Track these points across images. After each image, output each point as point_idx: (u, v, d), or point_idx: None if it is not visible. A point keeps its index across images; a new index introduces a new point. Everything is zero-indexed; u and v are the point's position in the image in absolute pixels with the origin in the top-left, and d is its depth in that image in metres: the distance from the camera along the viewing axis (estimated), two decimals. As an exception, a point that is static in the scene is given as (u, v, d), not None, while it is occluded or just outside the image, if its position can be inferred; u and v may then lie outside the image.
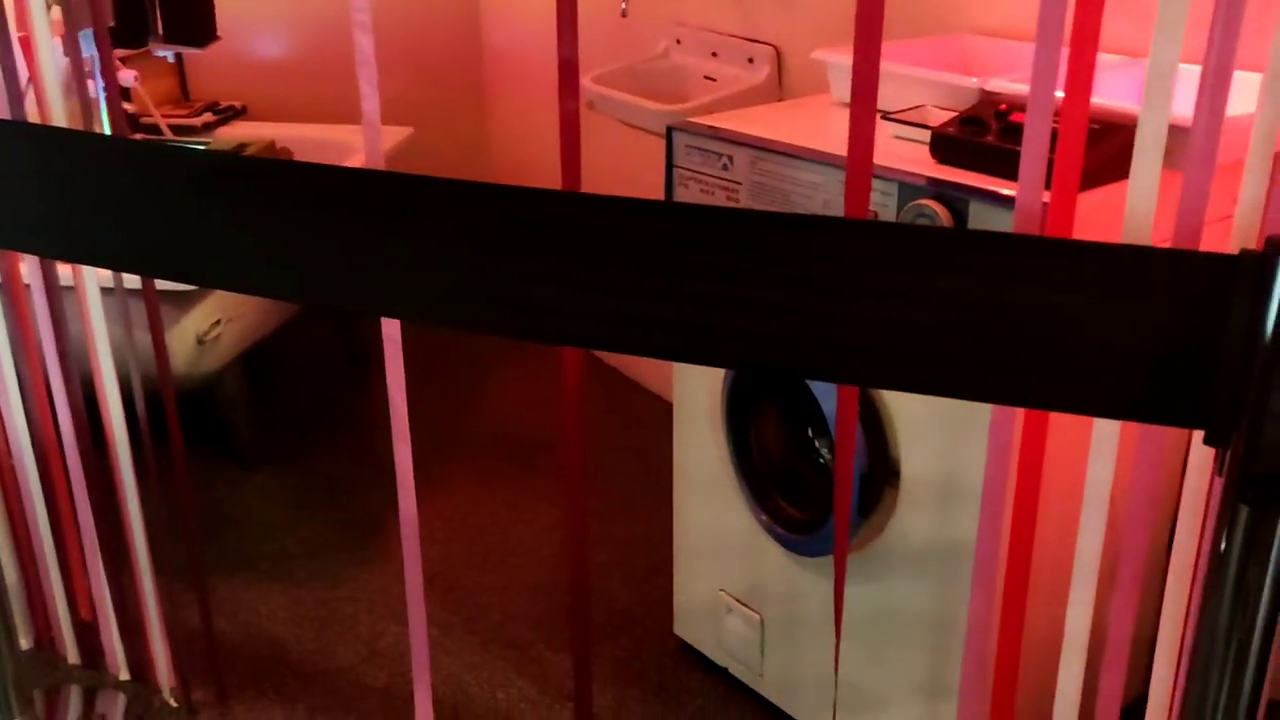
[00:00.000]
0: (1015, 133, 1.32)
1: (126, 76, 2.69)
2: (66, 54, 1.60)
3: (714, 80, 2.37)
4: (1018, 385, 0.82)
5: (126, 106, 2.85)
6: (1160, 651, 1.14)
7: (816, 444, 1.69)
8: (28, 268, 1.66)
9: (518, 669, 1.95)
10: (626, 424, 2.76)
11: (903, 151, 1.43)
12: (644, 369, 2.94)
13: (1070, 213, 1.05)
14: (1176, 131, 0.96)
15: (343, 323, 3.08)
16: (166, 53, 2.87)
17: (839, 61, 1.69)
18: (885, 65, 1.08)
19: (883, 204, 1.38)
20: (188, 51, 2.80)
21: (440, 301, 0.92)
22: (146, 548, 1.78)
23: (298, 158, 2.68)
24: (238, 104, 3.18)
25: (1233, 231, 0.96)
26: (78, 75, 1.60)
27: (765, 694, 1.82)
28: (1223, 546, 0.77)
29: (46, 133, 1.16)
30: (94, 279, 1.65)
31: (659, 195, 1.87)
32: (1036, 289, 0.79)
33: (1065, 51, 1.00)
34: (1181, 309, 0.76)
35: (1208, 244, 0.95)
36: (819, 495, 1.65)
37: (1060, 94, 1.00)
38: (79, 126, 1.61)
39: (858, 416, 1.40)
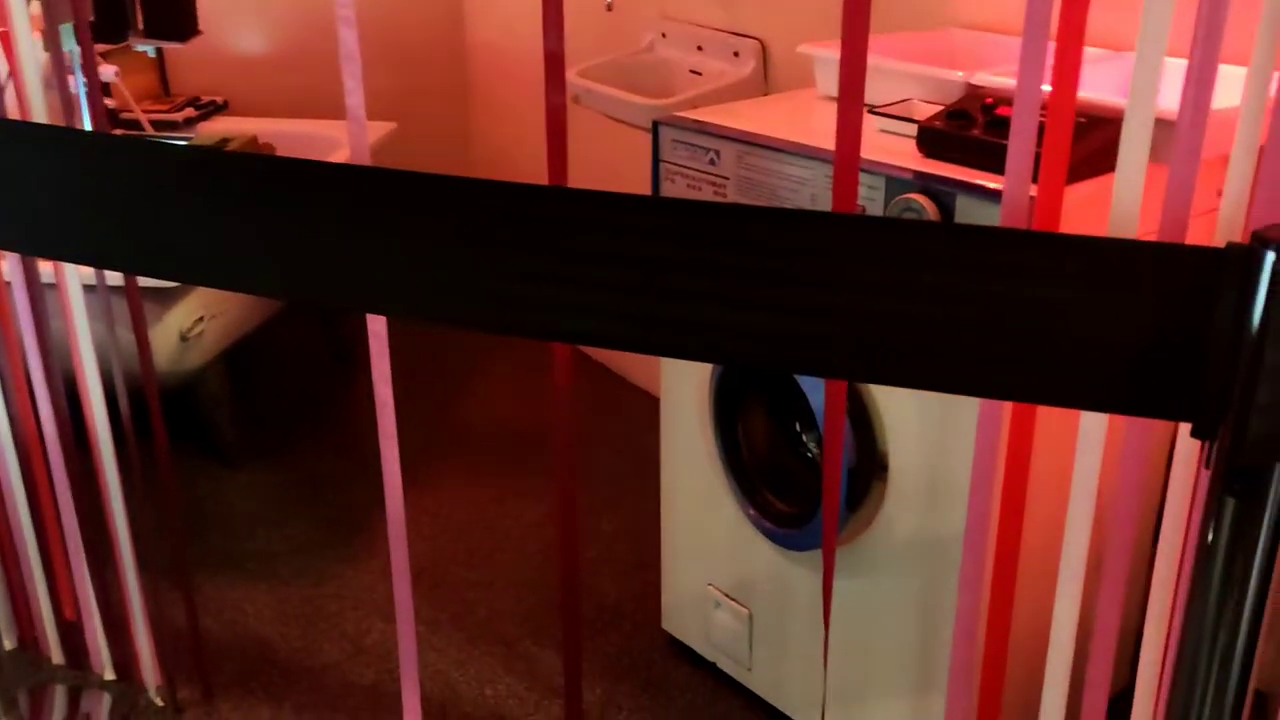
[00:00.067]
0: (1001, 126, 1.32)
1: (107, 72, 2.67)
2: (47, 49, 1.58)
3: (699, 74, 2.36)
4: (1005, 379, 0.82)
5: (107, 102, 2.83)
6: (1147, 642, 1.14)
7: (804, 438, 1.69)
8: (8, 265, 1.65)
9: (506, 665, 1.95)
10: (613, 419, 2.76)
11: (889, 145, 1.43)
12: (631, 364, 2.94)
13: (1057, 206, 1.05)
14: (1161, 125, 0.96)
15: (327, 319, 3.07)
16: (147, 47, 2.85)
17: (825, 55, 1.68)
18: (871, 59, 1.08)
19: (870, 198, 1.38)
20: (169, 46, 2.78)
21: (426, 297, 0.91)
22: (131, 546, 1.77)
23: (280, 153, 2.67)
24: (219, 99, 3.16)
25: (1218, 225, 0.97)
26: (58, 71, 1.59)
27: (754, 688, 1.82)
28: (1209, 538, 0.78)
29: (26, 129, 1.15)
30: (76, 276, 1.64)
31: (645, 190, 1.87)
32: (1024, 282, 0.79)
33: (1051, 45, 1.00)
34: (1168, 302, 0.76)
35: (1191, 238, 0.96)
36: (807, 489, 1.65)
37: (1047, 87, 1.00)
38: (59, 122, 1.60)
39: (845, 410, 1.40)
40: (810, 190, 1.45)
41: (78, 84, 1.71)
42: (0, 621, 1.92)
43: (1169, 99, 0.98)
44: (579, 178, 1.16)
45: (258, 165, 0.94)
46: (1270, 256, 0.71)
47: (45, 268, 1.68)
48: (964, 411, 1.37)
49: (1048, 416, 1.12)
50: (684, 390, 1.76)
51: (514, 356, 3.10)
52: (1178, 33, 0.94)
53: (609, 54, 2.46)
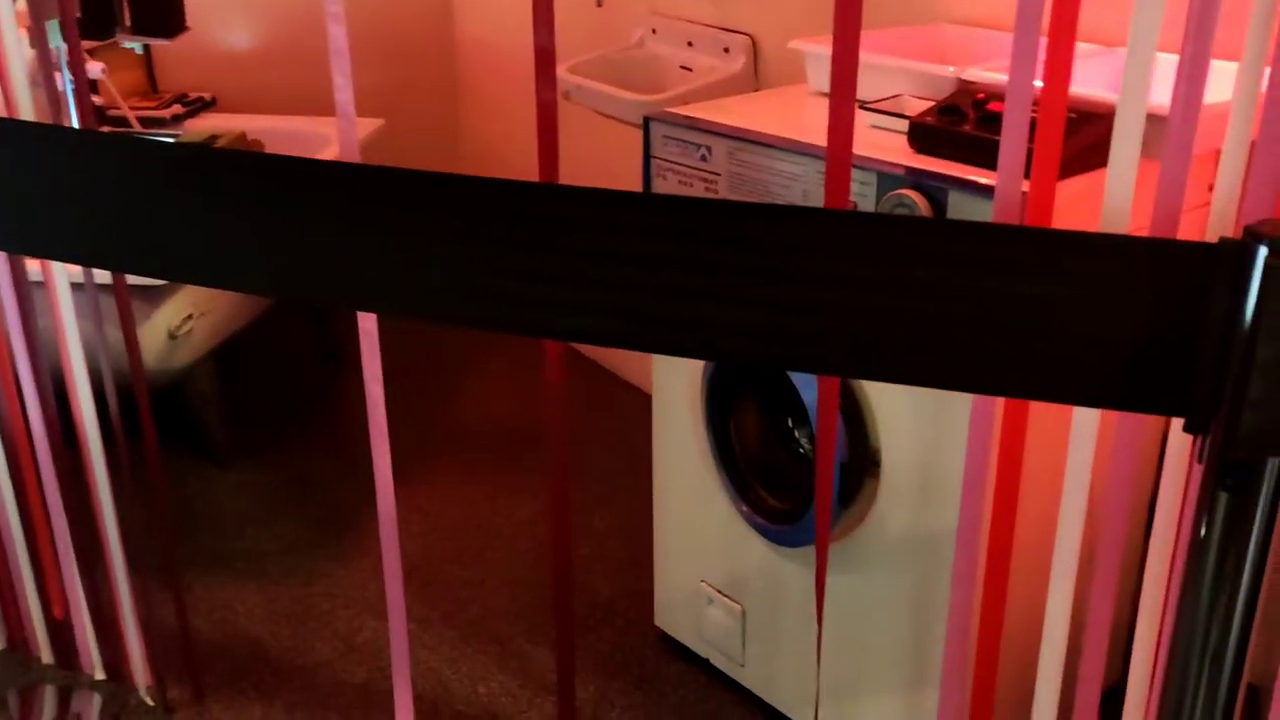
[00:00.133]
0: (993, 122, 1.32)
1: (94, 68, 2.66)
2: (33, 46, 1.57)
3: (690, 70, 2.36)
4: (997, 375, 0.82)
5: (94, 99, 2.81)
6: (1139, 636, 1.15)
7: (796, 434, 1.69)
8: (-5, 263, 1.64)
9: (498, 663, 1.95)
10: (605, 416, 2.76)
11: (881, 141, 1.43)
12: (623, 361, 2.93)
13: (1049, 202, 1.05)
14: (1152, 120, 0.96)
15: (318, 317, 3.06)
16: (134, 44, 2.84)
17: (816, 51, 1.68)
18: (862, 55, 1.07)
19: (861, 194, 1.38)
20: (156, 43, 2.77)
21: (416, 295, 0.91)
22: (120, 546, 1.76)
23: (269, 150, 2.66)
24: (207, 95, 3.14)
25: (1209, 219, 0.97)
26: (44, 67, 1.57)
27: (747, 684, 1.82)
28: (1202, 533, 0.78)
29: (13, 126, 1.14)
30: (64, 274, 1.63)
31: (636, 187, 1.87)
32: (1016, 278, 0.78)
33: (1042, 41, 1.00)
34: (1161, 297, 0.76)
35: (1181, 233, 0.96)
36: (799, 485, 1.65)
37: (1038, 83, 1.00)
38: (46, 120, 1.59)
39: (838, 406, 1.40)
40: (802, 186, 1.45)
41: (64, 81, 1.70)
42: (-11, 622, 1.91)
43: (1159, 94, 0.98)
44: (569, 174, 1.16)
45: (246, 162, 0.93)
46: (1263, 251, 0.71)
47: (33, 266, 1.67)
48: (956, 407, 1.37)
49: (1040, 412, 1.12)
50: (676, 387, 1.76)
51: (505, 354, 3.09)
52: (1168, 28, 0.94)
53: (599, 50, 2.45)
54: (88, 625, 1.85)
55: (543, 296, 0.86)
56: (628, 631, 2.01)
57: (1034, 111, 1.01)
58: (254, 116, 3.01)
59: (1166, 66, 0.96)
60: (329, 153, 2.80)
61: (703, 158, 1.56)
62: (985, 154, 1.29)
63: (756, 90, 2.26)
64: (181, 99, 3.08)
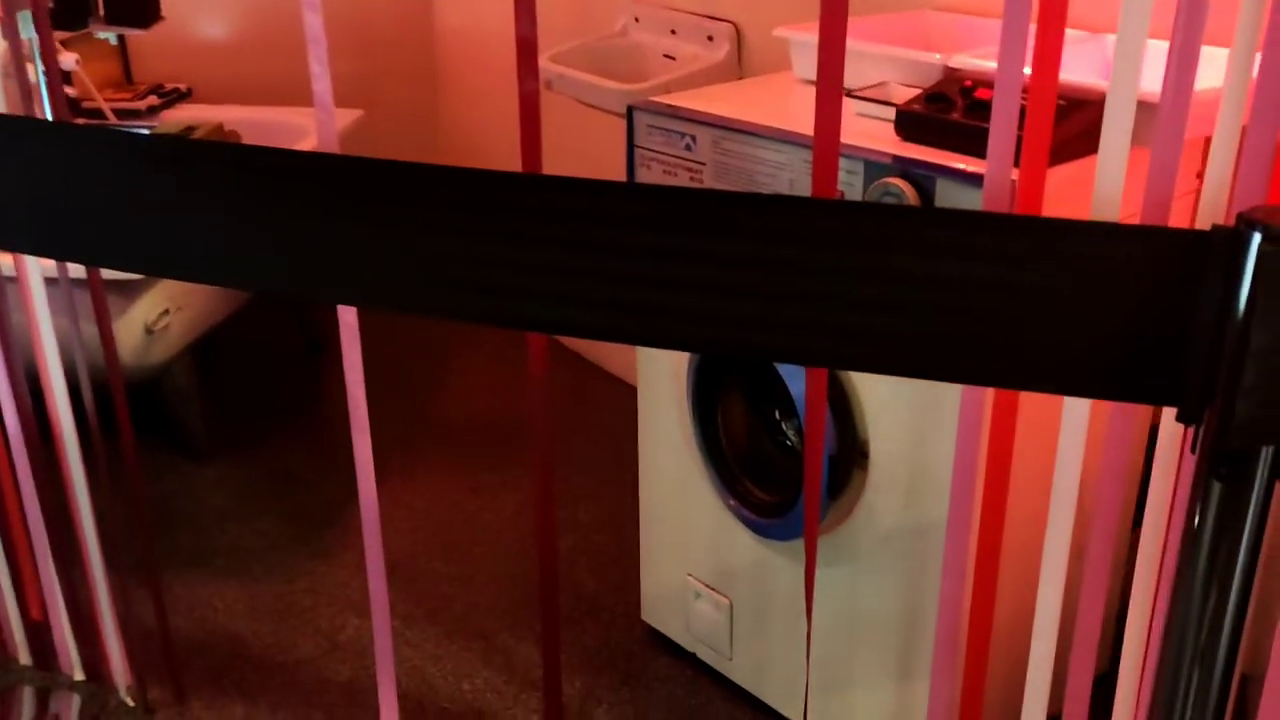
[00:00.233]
0: (981, 109, 1.31)
1: (67, 59, 2.62)
2: (4, 37, 1.54)
3: (673, 59, 2.34)
4: (987, 365, 0.81)
5: (68, 90, 2.78)
6: (1130, 626, 1.14)
7: (783, 426, 1.68)
8: (-34, 258, 1.61)
9: (484, 659, 1.93)
10: (589, 409, 2.74)
11: (867, 129, 1.42)
12: (607, 352, 2.92)
13: (1039, 189, 1.04)
14: (1141, 107, 0.95)
15: (298, 309, 3.03)
16: (108, 34, 2.80)
17: (801, 38, 1.67)
18: (848, 42, 1.06)
19: (848, 183, 1.36)
20: (130, 33, 2.73)
21: (397, 288, 0.89)
22: (98, 544, 1.74)
23: (246, 141, 2.63)
24: (183, 86, 3.11)
25: (1200, 206, 0.96)
26: (16, 59, 1.55)
27: (735, 678, 1.82)
28: (1195, 523, 0.77)
29: (-19, 117, 1.12)
30: (37, 269, 1.60)
31: (619, 178, 1.85)
32: (1006, 267, 0.78)
33: (1030, 27, 0.99)
34: (1153, 286, 0.75)
35: (1170, 220, 0.95)
36: (787, 478, 1.64)
37: (1027, 70, 0.99)
38: (18, 112, 1.56)
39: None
40: (789, 175, 1.43)
41: (37, 72, 1.67)
42: (-35, 623, 1.89)
43: (1149, 81, 0.97)
44: (552, 165, 1.14)
45: (224, 154, 0.92)
46: (1257, 238, 0.70)
47: (5, 260, 1.65)
48: (945, 397, 1.36)
49: (1030, 402, 1.11)
50: (661, 378, 1.74)
51: (488, 346, 3.07)
52: (1157, 14, 0.94)
53: (581, 38, 2.43)
54: (66, 625, 1.83)
55: (526, 288, 0.84)
56: (614, 626, 2.00)
57: (1023, 99, 1.00)
58: (231, 107, 2.98)
59: (1154, 53, 0.95)
60: (307, 144, 2.77)
61: (687, 147, 1.55)
62: (973, 142, 1.28)
63: (740, 78, 2.24)
64: (157, 90, 3.04)
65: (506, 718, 1.80)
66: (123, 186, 0.94)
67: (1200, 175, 1.44)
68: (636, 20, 2.46)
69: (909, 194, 1.31)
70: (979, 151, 1.27)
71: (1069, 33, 1.43)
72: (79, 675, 1.87)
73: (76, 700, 1.84)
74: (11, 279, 1.61)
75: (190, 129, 2.52)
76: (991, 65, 1.39)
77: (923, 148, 1.34)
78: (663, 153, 1.59)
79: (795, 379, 1.50)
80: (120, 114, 2.90)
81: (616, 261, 0.82)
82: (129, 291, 2.21)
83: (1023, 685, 1.19)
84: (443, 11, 3.37)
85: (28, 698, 1.85)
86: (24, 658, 1.89)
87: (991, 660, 1.25)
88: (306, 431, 2.67)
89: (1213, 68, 1.03)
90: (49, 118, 1.75)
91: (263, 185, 0.90)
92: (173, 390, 2.46)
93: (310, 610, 2.05)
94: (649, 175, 1.62)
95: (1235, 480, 0.75)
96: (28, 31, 1.57)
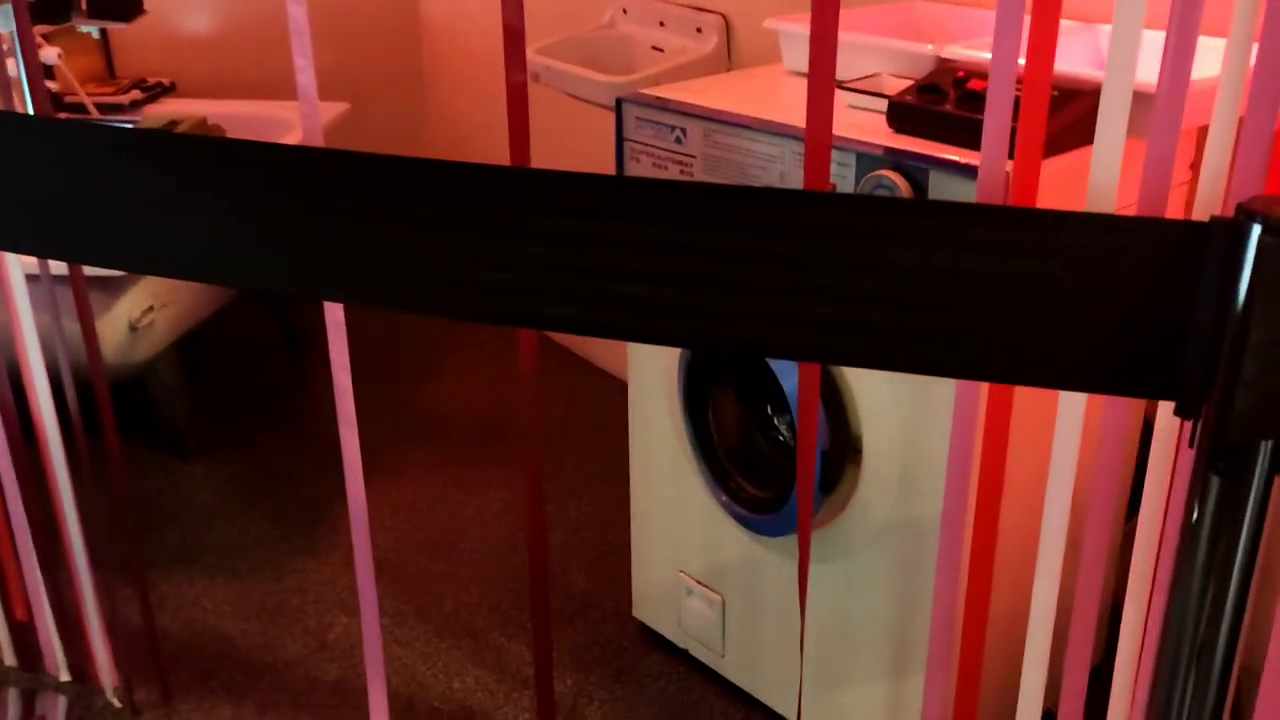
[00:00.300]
0: (974, 100, 1.30)
1: (49, 53, 2.59)
2: (-20, 29, 1.52)
3: (661, 51, 2.33)
4: (982, 359, 0.80)
5: (50, 85, 2.75)
6: (1126, 619, 1.14)
7: (776, 422, 1.67)
8: (-55, 255, 1.59)
9: (474, 657, 1.92)
10: (579, 404, 2.73)
11: (859, 121, 1.41)
12: (597, 347, 2.91)
13: (1034, 181, 1.03)
14: (1137, 98, 0.94)
15: (275, 304, 3.00)
16: (91, 28, 2.77)
17: (793, 30, 1.66)
18: (840, 33, 1.05)
19: (841, 175, 1.35)
20: (113, 26, 2.70)
21: (384, 284, 0.88)
22: (83, 544, 1.72)
23: (231, 135, 2.60)
24: (166, 80, 3.08)
25: (1197, 198, 0.95)
26: (-7, 50, 1.52)
27: (728, 675, 1.81)
28: (1194, 517, 0.77)
29: (-42, 111, 1.10)
30: (18, 265, 1.58)
31: (609, 170, 1.83)
32: (1001, 260, 0.77)
33: (1025, 18, 0.98)
34: (1150, 278, 0.74)
35: (1165, 212, 0.94)
36: (779, 474, 1.63)
37: (1021, 60, 0.98)
38: (-4, 105, 1.54)
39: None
40: (779, 168, 1.42)
41: (18, 66, 1.65)
42: (-52, 624, 1.87)
43: (1145, 71, 0.96)
44: (539, 158, 1.13)
45: (208, 148, 0.90)
46: (1256, 229, 0.69)
47: (-15, 257, 1.62)
48: (939, 391, 1.35)
49: (1025, 395, 1.10)
50: (652, 374, 1.73)
51: (477, 342, 3.05)
52: (1152, 4, 0.92)
53: (568, 30, 2.42)
54: (51, 626, 1.81)
55: (515, 283, 0.83)
56: (605, 623, 1.99)
57: (1016, 89, 0.99)
58: (214, 101, 2.95)
59: (1149, 43, 0.94)
60: (292, 138, 2.75)
61: (677, 140, 1.53)
62: (967, 133, 1.27)
63: (729, 71, 2.23)
64: (140, 84, 3.02)
65: (498, 716, 1.79)
66: (105, 182, 0.92)
67: (1193, 166, 1.44)
68: (625, 12, 2.44)
69: (902, 186, 1.30)
70: (972, 143, 1.26)
71: (1062, 23, 1.42)
72: (65, 676, 1.85)
73: (62, 701, 1.82)
74: (-8, 276, 1.58)
75: (174, 123, 2.49)
76: (984, 56, 1.38)
77: (915, 139, 1.33)
78: (652, 146, 1.58)
79: (787, 374, 1.49)
80: (103, 108, 2.87)
81: (606, 256, 0.81)
82: (113, 288, 2.19)
83: (1018, 680, 1.18)
84: (428, 3, 3.35)
85: (13, 699, 1.84)
86: (9, 659, 1.87)
87: (986, 655, 1.25)
88: (292, 428, 2.65)
89: (1205, 58, 1.02)
90: (30, 113, 1.73)
91: (247, 180, 0.89)
92: (157, 387, 2.44)
93: (298, 609, 2.04)
94: (639, 169, 1.61)
95: (1234, 474, 0.75)
96: (8, 25, 1.54)
